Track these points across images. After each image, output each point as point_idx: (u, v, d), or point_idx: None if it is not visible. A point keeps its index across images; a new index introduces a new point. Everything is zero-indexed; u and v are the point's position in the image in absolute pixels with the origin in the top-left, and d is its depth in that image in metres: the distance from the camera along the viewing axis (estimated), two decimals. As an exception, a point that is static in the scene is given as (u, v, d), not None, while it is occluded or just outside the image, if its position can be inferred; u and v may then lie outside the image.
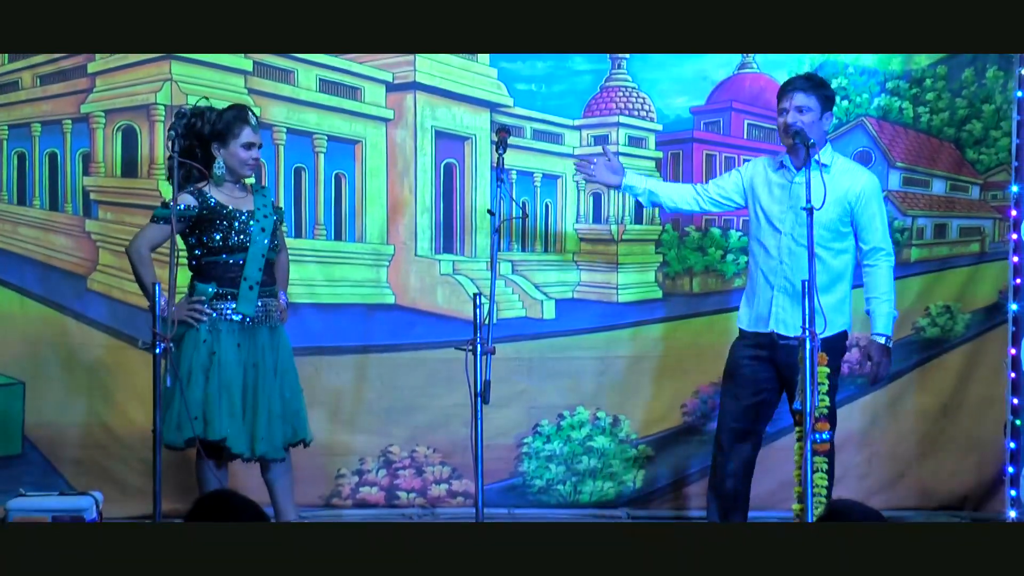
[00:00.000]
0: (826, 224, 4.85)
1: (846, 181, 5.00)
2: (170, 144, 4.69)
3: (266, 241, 4.95)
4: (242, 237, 4.90)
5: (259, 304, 4.92)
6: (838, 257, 5.00)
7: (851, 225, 5.01)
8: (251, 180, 5.11)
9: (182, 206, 4.78)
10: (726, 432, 5.13)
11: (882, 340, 4.98)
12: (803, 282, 4.49)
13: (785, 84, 5.06)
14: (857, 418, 5.91)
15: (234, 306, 4.87)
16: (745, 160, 5.64)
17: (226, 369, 4.83)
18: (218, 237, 4.88)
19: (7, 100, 5.84)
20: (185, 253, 4.95)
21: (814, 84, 5.01)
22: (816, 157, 4.77)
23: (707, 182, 5.40)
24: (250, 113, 4.99)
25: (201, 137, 4.92)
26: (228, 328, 4.87)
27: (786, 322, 4.97)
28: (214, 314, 4.85)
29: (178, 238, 4.82)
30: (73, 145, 5.83)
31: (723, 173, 5.57)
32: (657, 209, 5.66)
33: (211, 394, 4.79)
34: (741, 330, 5.19)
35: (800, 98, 4.94)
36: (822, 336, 4.62)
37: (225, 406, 4.80)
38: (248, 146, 4.93)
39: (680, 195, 5.32)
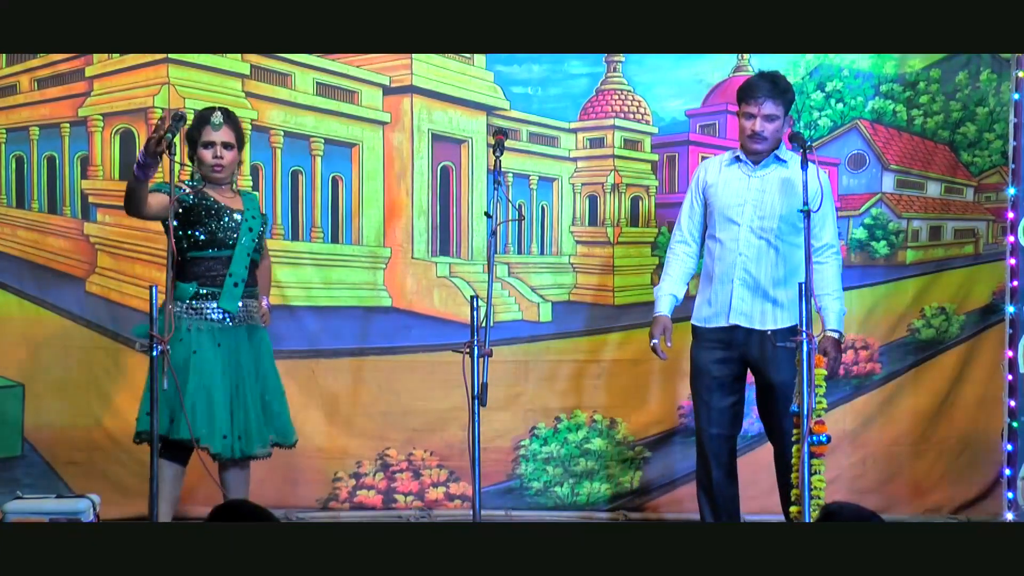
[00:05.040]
0: (785, 217, 4.88)
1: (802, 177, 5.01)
2: (167, 146, 4.68)
3: (254, 240, 4.91)
4: (229, 233, 4.85)
5: (240, 304, 4.87)
6: (795, 252, 4.99)
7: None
8: (248, 184, 5.08)
9: (177, 188, 4.66)
10: (707, 437, 5.08)
11: (836, 336, 4.98)
12: (799, 284, 4.52)
13: (751, 87, 4.95)
14: (851, 419, 5.92)
15: (215, 305, 4.82)
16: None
17: (206, 368, 4.77)
18: (205, 231, 4.83)
19: (5, 104, 5.86)
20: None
21: (781, 91, 4.94)
22: (776, 153, 4.92)
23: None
24: (218, 111, 4.86)
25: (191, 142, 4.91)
26: (208, 328, 4.81)
27: (746, 314, 4.98)
28: (193, 302, 4.79)
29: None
30: (71, 148, 5.85)
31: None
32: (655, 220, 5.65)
33: (189, 394, 4.71)
34: (698, 329, 5.11)
35: (769, 107, 4.92)
36: (776, 328, 4.83)
37: (202, 406, 4.73)
38: (207, 144, 4.83)
39: (686, 267, 5.15)
